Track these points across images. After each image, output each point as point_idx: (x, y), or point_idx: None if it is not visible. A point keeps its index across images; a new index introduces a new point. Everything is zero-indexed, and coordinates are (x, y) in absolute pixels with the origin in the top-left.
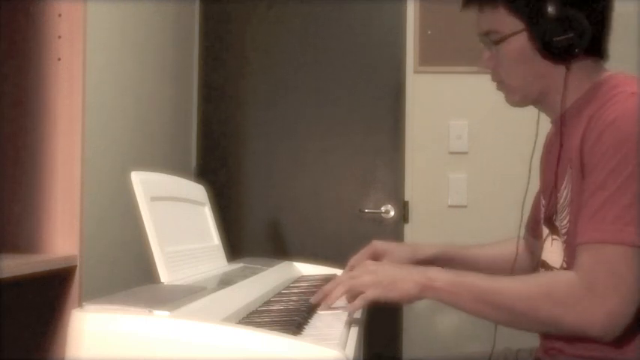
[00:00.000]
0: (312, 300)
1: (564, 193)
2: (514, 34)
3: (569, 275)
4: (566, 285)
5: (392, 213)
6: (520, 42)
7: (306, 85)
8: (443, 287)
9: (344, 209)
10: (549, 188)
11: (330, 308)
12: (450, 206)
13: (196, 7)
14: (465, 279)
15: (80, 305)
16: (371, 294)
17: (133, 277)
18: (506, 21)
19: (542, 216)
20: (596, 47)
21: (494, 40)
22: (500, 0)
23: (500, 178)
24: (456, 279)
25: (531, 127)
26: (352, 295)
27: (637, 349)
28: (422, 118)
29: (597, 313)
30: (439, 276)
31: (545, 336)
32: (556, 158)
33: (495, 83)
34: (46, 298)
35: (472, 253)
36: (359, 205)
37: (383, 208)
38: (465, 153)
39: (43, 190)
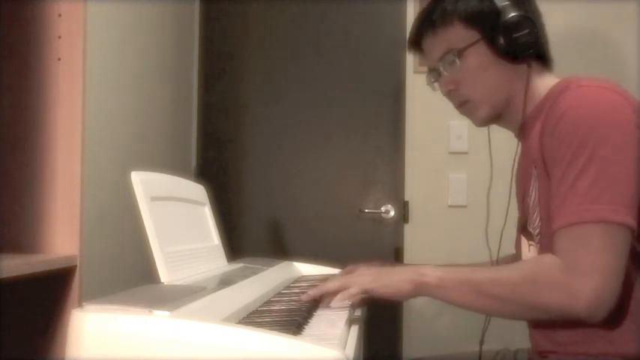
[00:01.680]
0: (303, 297)
1: (532, 195)
2: (473, 44)
3: (552, 258)
4: (549, 268)
5: (392, 213)
6: (480, 51)
7: (306, 85)
8: (434, 282)
9: (344, 209)
10: (521, 196)
11: (327, 308)
12: (450, 206)
13: (196, 7)
14: (455, 273)
15: (80, 305)
16: (365, 284)
17: (133, 277)
18: (462, 35)
19: (519, 225)
20: (544, 50)
21: (454, 56)
22: (455, 15)
23: (500, 178)
24: (445, 274)
25: None
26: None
27: (627, 343)
28: (422, 118)
29: (582, 292)
30: (430, 272)
31: (536, 340)
32: (523, 167)
33: (458, 108)
34: (46, 298)
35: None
36: (359, 205)
37: (383, 208)
38: (465, 153)
39: (43, 190)
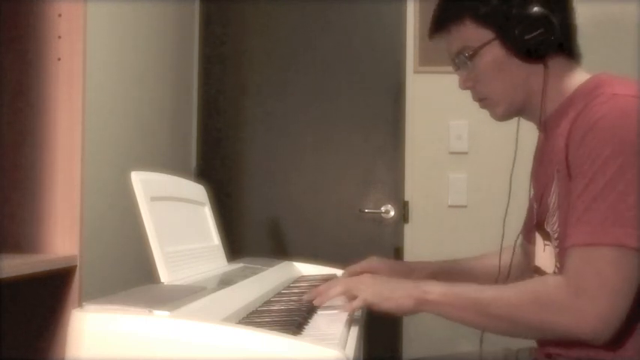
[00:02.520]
0: (305, 297)
1: (553, 198)
2: (486, 44)
3: (556, 280)
4: (554, 290)
5: (392, 213)
6: (494, 51)
7: (306, 85)
8: (436, 300)
9: (344, 209)
10: (540, 193)
11: (327, 307)
12: (450, 206)
13: (196, 7)
14: (457, 290)
15: (80, 305)
16: (369, 297)
17: (133, 277)
18: (475, 34)
19: (534, 222)
20: (568, 45)
21: (468, 56)
22: (465, 14)
23: (500, 178)
24: (448, 291)
25: (531, 127)
26: (349, 297)
27: (630, 350)
28: (422, 118)
29: (587, 316)
30: (433, 289)
31: (541, 342)
32: (545, 163)
33: (478, 102)
34: (46, 298)
35: (469, 265)
36: (359, 205)
37: (383, 208)
38: (465, 153)
39: (43, 190)
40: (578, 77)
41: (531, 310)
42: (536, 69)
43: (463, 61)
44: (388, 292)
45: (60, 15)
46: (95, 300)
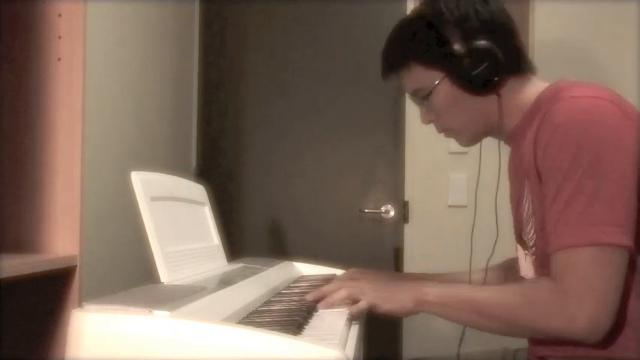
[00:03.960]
0: (309, 297)
1: (526, 206)
2: (436, 85)
3: (547, 282)
4: (544, 292)
5: (392, 213)
6: (445, 89)
7: (306, 85)
8: (435, 301)
9: (344, 209)
10: (515, 206)
11: (332, 307)
12: (450, 206)
13: (196, 7)
14: (454, 292)
15: (80, 305)
16: (372, 299)
17: (133, 277)
18: (424, 76)
19: (514, 233)
20: (517, 66)
21: (422, 96)
22: (410, 58)
23: (500, 178)
24: (445, 292)
25: None
26: (353, 301)
27: (621, 347)
28: None
29: (578, 316)
30: (431, 290)
31: (533, 341)
32: (516, 175)
33: (443, 133)
34: (46, 298)
35: (462, 280)
36: (359, 205)
37: (383, 208)
38: (465, 153)
39: (43, 190)
40: (536, 87)
41: (524, 313)
42: (490, 98)
43: (419, 100)
44: (389, 293)
45: (60, 15)
46: (95, 300)
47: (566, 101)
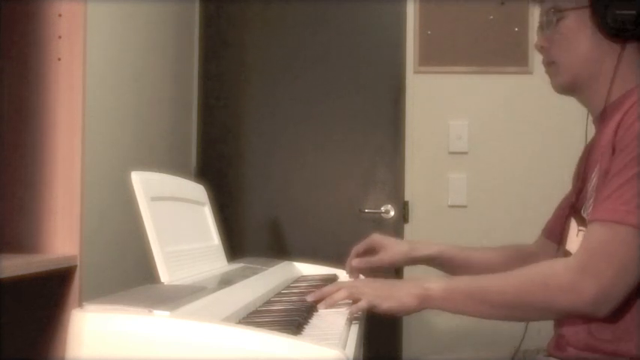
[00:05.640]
0: (309, 297)
1: (593, 181)
2: (576, 8)
3: (564, 261)
4: (560, 271)
5: (392, 213)
6: (581, 17)
7: (306, 85)
8: (439, 295)
9: (344, 209)
10: (581, 179)
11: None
12: (450, 206)
13: (196, 7)
14: (459, 283)
15: (80, 305)
16: (372, 298)
17: (133, 277)
18: None
19: (570, 209)
20: None
21: (555, 14)
22: None
23: (500, 178)
24: (449, 285)
25: (531, 127)
26: (354, 301)
27: (630, 324)
28: (422, 118)
29: (589, 287)
30: (434, 285)
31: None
32: (593, 153)
33: (545, 66)
34: (46, 298)
35: (472, 256)
36: (359, 205)
37: (383, 208)
38: (465, 153)
39: (43, 190)
40: None
41: (536, 293)
42: (611, 50)
43: (550, 19)
44: (390, 292)
45: (60, 15)
46: (95, 300)
47: None
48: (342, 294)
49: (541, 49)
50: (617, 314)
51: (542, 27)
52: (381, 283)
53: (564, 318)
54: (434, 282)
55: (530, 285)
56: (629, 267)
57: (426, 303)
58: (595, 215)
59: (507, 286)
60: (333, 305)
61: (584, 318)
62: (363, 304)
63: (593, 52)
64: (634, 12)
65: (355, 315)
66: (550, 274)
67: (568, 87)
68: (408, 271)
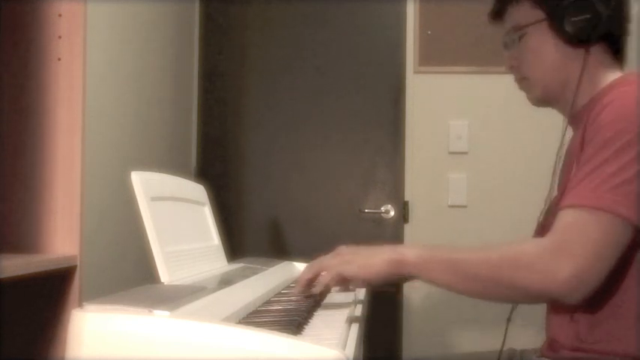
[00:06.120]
0: (296, 290)
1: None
2: (535, 22)
3: (536, 241)
4: (531, 249)
5: (392, 213)
6: (541, 30)
7: (306, 85)
8: (412, 260)
9: (344, 209)
10: (563, 188)
11: (327, 307)
12: (450, 206)
13: (196, 7)
14: (436, 252)
15: (80, 305)
16: (340, 268)
17: (133, 277)
18: (528, 13)
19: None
20: (610, 37)
21: (518, 34)
22: None
23: (500, 178)
24: (425, 252)
25: (531, 127)
26: (341, 280)
27: (624, 343)
28: (422, 118)
29: (563, 271)
30: (409, 251)
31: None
32: (569, 156)
33: (518, 83)
34: (46, 298)
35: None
36: (359, 205)
37: (383, 208)
38: (465, 153)
39: (43, 190)
40: (613, 75)
41: (505, 269)
42: (577, 55)
43: (512, 38)
44: (362, 259)
45: (60, 15)
46: (95, 300)
47: (626, 84)
48: (308, 272)
49: (511, 68)
50: (605, 315)
51: (507, 47)
52: (353, 252)
53: (535, 302)
54: (410, 248)
55: (499, 260)
56: (602, 252)
57: (398, 268)
58: (567, 201)
59: (481, 259)
60: (326, 288)
61: (555, 303)
62: (325, 278)
63: (560, 62)
64: (589, 15)
65: (354, 315)
66: (521, 252)
67: (543, 99)
68: None
